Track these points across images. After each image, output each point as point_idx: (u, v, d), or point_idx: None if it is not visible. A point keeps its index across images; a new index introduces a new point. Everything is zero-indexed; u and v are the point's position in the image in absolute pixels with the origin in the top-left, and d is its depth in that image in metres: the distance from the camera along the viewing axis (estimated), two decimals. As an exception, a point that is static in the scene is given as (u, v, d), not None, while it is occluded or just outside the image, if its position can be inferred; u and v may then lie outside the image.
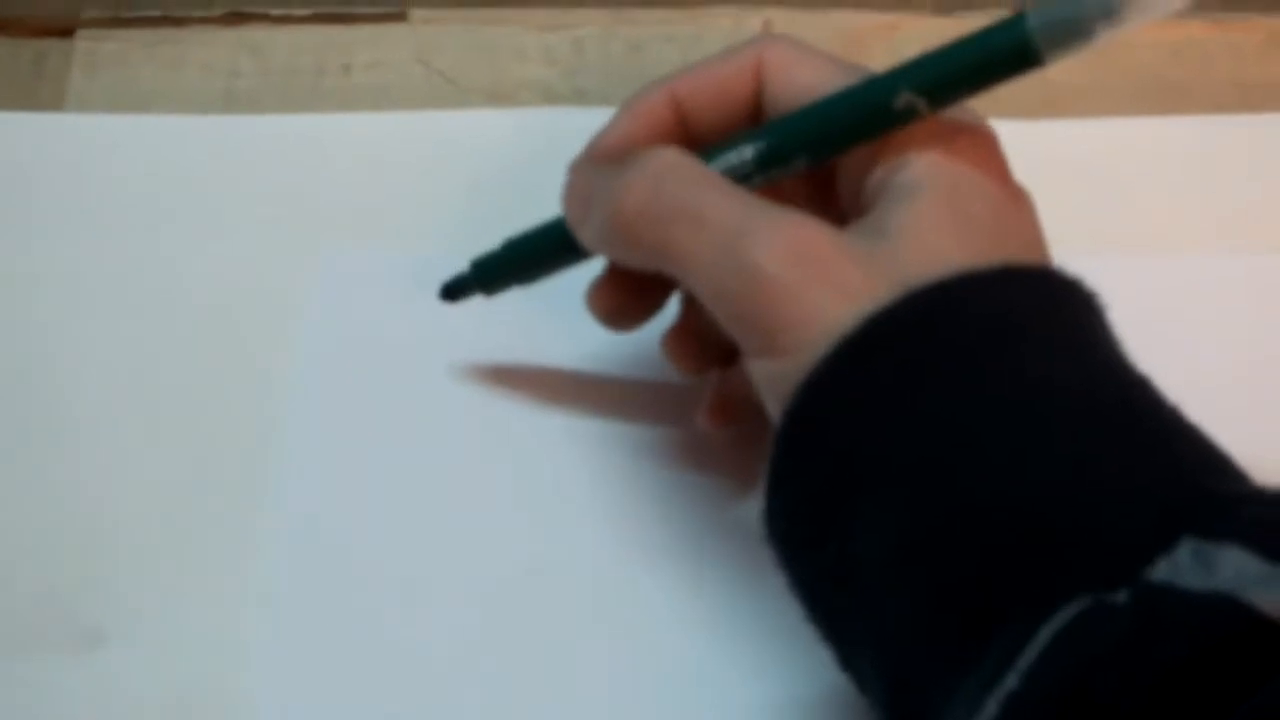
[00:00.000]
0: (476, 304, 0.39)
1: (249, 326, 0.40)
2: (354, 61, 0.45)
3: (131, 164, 0.43)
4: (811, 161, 0.31)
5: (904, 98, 0.29)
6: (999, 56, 0.29)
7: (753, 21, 0.45)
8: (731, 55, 0.33)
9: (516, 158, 0.43)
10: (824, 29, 0.45)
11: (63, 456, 0.39)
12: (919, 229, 0.29)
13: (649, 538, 0.38)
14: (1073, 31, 0.27)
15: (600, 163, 0.33)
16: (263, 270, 0.41)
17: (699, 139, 0.33)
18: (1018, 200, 0.31)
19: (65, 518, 0.38)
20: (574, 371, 0.40)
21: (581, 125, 0.43)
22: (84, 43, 0.45)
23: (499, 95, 0.44)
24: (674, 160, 0.31)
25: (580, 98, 0.44)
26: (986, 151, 0.31)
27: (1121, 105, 0.44)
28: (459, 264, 0.38)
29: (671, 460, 0.39)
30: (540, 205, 0.42)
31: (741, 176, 0.31)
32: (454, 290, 0.39)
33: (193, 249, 0.42)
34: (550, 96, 0.44)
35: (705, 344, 0.35)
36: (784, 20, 0.45)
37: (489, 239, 0.39)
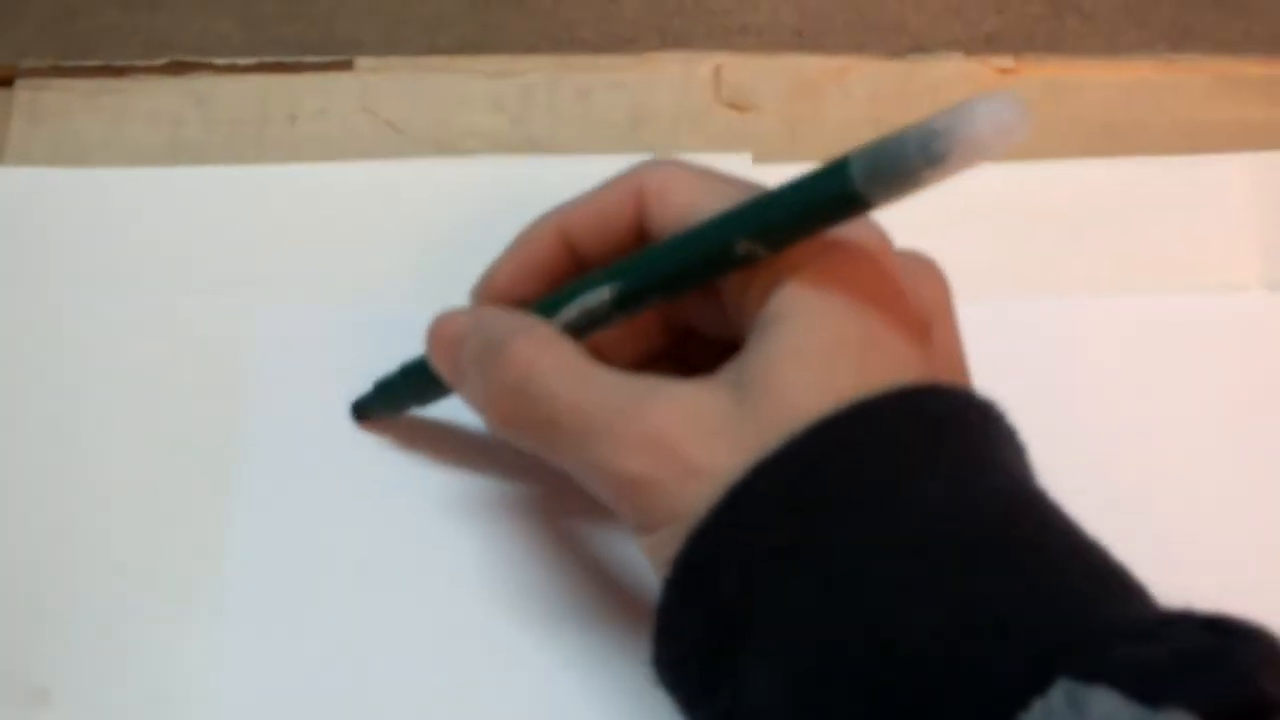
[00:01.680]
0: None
1: (195, 380, 0.40)
2: (300, 111, 0.45)
3: (74, 217, 0.42)
4: (667, 299, 0.32)
5: (742, 244, 0.29)
6: (825, 203, 0.28)
7: (703, 68, 0.45)
8: (614, 184, 0.34)
9: (465, 207, 0.43)
10: (775, 74, 0.45)
11: (4, 514, 0.38)
12: (776, 371, 0.28)
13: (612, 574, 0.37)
14: (897, 177, 0.26)
15: (486, 304, 0.35)
16: (209, 324, 0.41)
17: (587, 264, 0.34)
18: (901, 315, 0.30)
19: (8, 575, 0.37)
20: None
21: (530, 173, 0.43)
22: (24, 92, 0.44)
23: (446, 143, 0.44)
24: (532, 355, 0.31)
25: (529, 145, 0.44)
26: (865, 267, 0.30)
27: (1071, 147, 0.44)
28: (406, 314, 0.38)
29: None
30: (488, 255, 0.41)
31: (603, 316, 0.32)
32: (361, 409, 0.39)
33: (136, 303, 0.41)
34: (498, 144, 0.44)
35: None
36: (734, 66, 0.45)
37: (437, 289, 0.39)
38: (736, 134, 0.44)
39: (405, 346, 0.40)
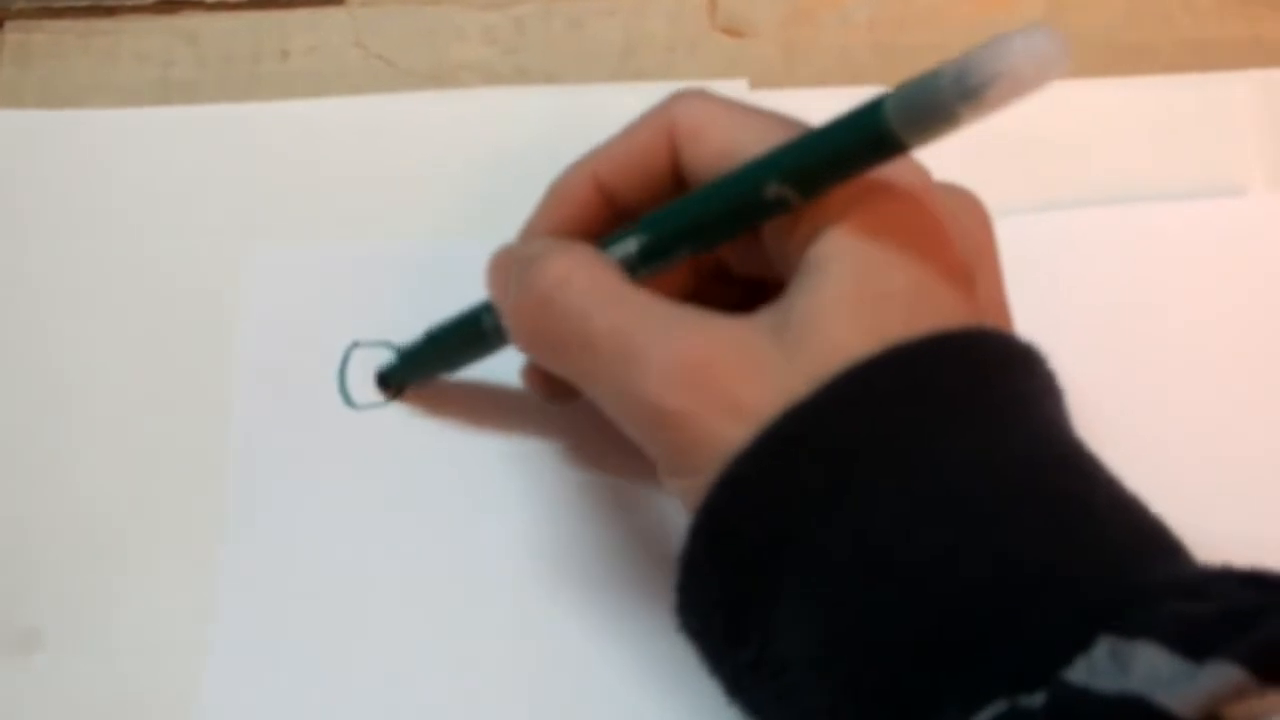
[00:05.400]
0: (421, 298, 0.38)
1: (190, 322, 0.40)
2: (291, 47, 0.44)
3: (65, 160, 0.42)
4: (695, 252, 0.31)
5: (773, 189, 0.28)
6: (860, 146, 0.27)
7: (698, -6, 0.44)
8: (644, 123, 0.32)
9: (460, 140, 0.42)
10: (771, 1, 0.44)
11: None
12: (821, 314, 0.27)
13: (608, 560, 0.37)
14: (933, 116, 0.25)
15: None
16: (203, 263, 0.40)
17: (626, 212, 0.33)
18: (943, 259, 0.29)
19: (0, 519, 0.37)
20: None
21: (524, 105, 0.42)
22: (14, 35, 0.44)
23: (440, 77, 0.43)
24: (565, 271, 0.30)
25: (522, 76, 0.43)
26: (907, 209, 0.29)
27: (1077, 67, 0.43)
28: (402, 250, 0.37)
29: (639, 471, 0.38)
30: (484, 189, 0.41)
31: (630, 269, 0.31)
32: (385, 379, 0.39)
33: (131, 244, 0.41)
34: (491, 76, 0.43)
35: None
36: (730, -8, 0.44)
37: (433, 223, 0.39)
38: (732, 60, 0.44)
39: (402, 282, 0.40)
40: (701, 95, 0.32)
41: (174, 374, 0.39)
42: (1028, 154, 0.41)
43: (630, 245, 0.31)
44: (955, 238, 0.29)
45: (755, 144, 0.29)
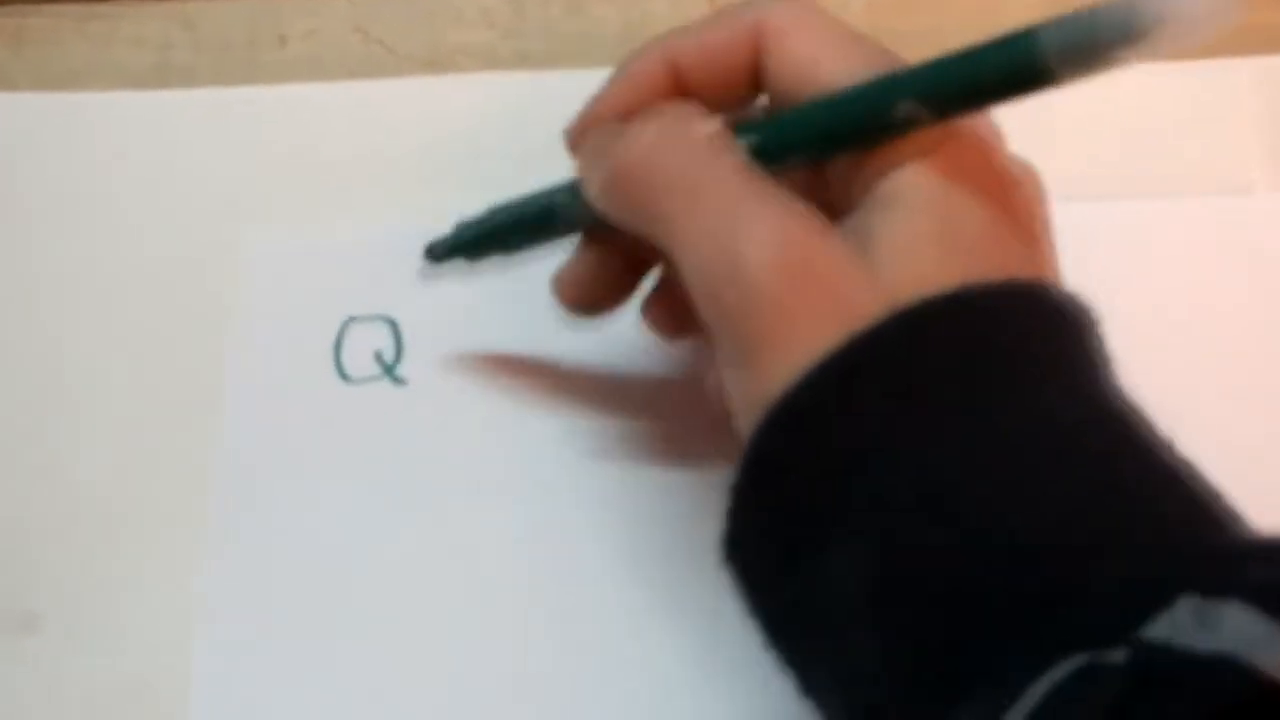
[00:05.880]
0: (418, 283, 0.38)
1: (187, 307, 0.39)
2: (289, 32, 0.44)
3: (61, 143, 0.42)
4: (807, 162, 0.30)
5: (906, 105, 0.27)
6: (1008, 74, 0.26)
7: (698, -22, 0.44)
8: (729, 17, 0.31)
9: (459, 125, 0.42)
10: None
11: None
12: (901, 245, 0.27)
13: (612, 533, 0.37)
14: (1090, 52, 0.24)
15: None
16: (201, 247, 0.40)
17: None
18: (1013, 214, 0.28)
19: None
20: (531, 357, 0.39)
21: (524, 90, 0.42)
22: (9, 19, 0.44)
23: (438, 62, 0.43)
24: (680, 121, 0.29)
25: (522, 61, 0.43)
26: (983, 161, 0.28)
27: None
28: (400, 235, 0.37)
29: (641, 454, 0.38)
30: (484, 172, 0.41)
31: None
32: (436, 251, 0.37)
33: (127, 228, 0.40)
34: (491, 61, 0.43)
35: (690, 307, 0.33)
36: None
37: (431, 208, 0.38)
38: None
39: (401, 267, 0.40)
40: (794, 0, 0.31)
41: (170, 358, 0.39)
42: (1026, 147, 0.41)
43: (741, 143, 0.29)
44: (1023, 193, 0.29)
45: (842, 59, 0.29)
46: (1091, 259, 0.40)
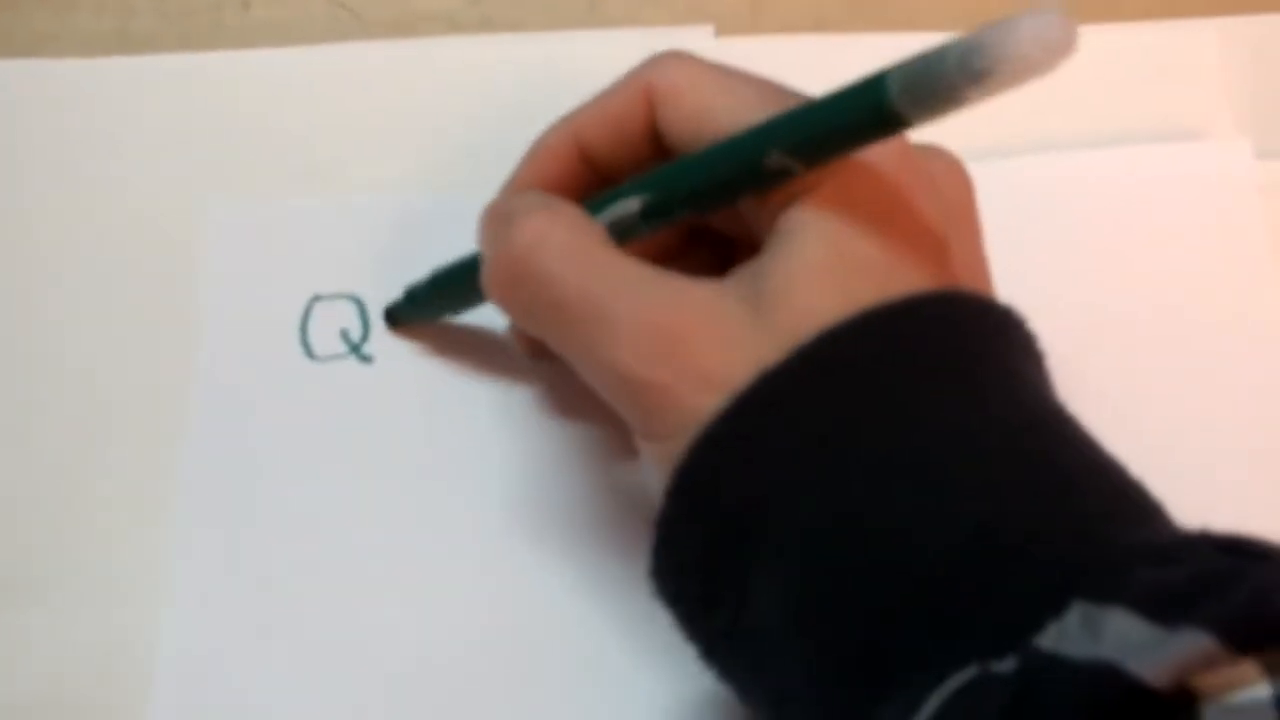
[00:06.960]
0: (384, 251, 0.38)
1: (151, 275, 0.39)
2: (253, -4, 0.43)
3: (23, 110, 0.41)
4: (696, 213, 0.31)
5: (776, 157, 0.28)
6: (862, 120, 0.26)
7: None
8: (623, 85, 0.32)
9: (424, 91, 0.42)
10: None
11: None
12: (795, 283, 0.28)
13: (565, 520, 0.37)
14: (937, 95, 0.24)
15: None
16: (165, 215, 0.40)
17: (605, 172, 0.33)
18: (916, 226, 0.29)
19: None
20: (498, 334, 0.38)
21: (489, 54, 0.42)
22: (-31, -15, 0.43)
23: (403, 26, 0.43)
24: (542, 231, 0.30)
25: (487, 25, 0.43)
26: (875, 182, 0.29)
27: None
28: (366, 202, 0.37)
29: (612, 427, 0.37)
30: (449, 140, 0.41)
31: (630, 227, 0.31)
32: (393, 315, 0.38)
33: (90, 196, 0.40)
34: (455, 25, 0.43)
35: None
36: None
37: (397, 175, 0.38)
38: (698, 7, 0.43)
39: (365, 235, 0.40)
40: (678, 56, 0.32)
41: (137, 326, 0.39)
42: (990, 101, 0.41)
43: (633, 204, 0.30)
44: (930, 203, 0.29)
45: (731, 108, 0.29)
46: (1057, 208, 0.40)
